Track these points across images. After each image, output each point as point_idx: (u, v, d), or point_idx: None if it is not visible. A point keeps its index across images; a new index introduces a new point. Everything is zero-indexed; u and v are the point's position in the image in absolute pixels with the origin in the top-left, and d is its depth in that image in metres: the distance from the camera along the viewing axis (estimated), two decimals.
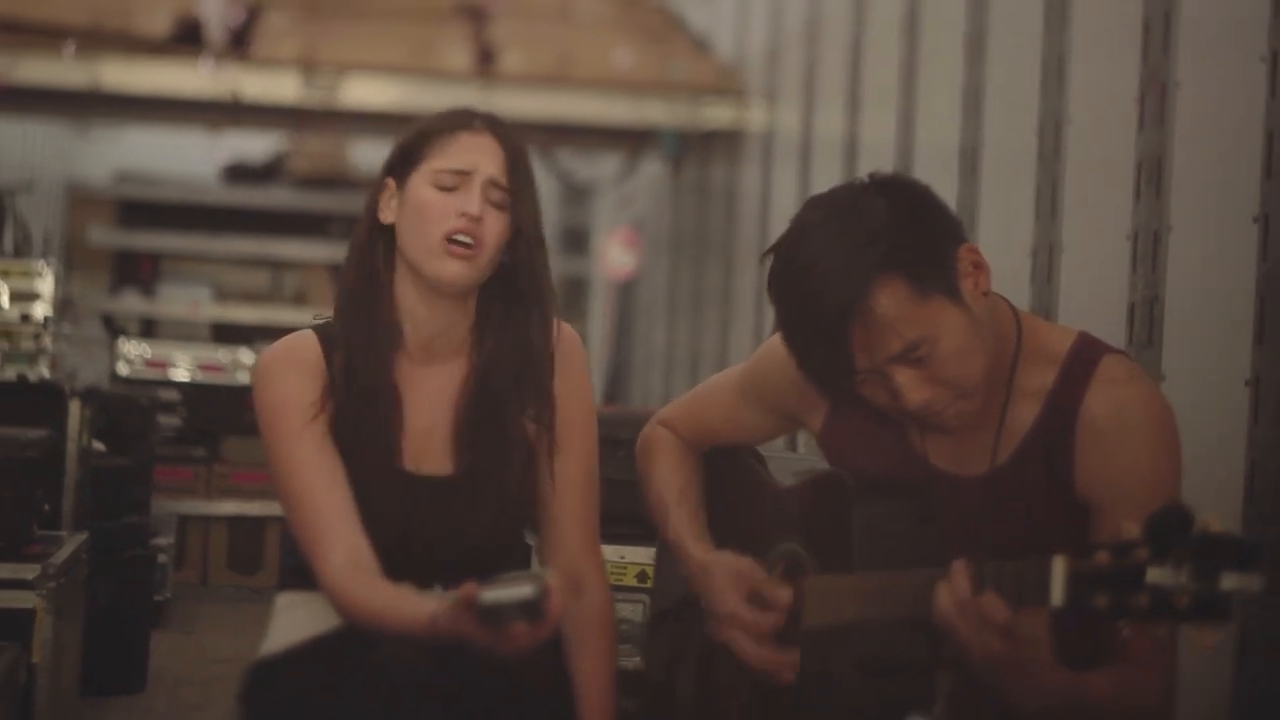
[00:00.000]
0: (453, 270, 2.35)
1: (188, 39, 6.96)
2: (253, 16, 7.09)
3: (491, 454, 2.39)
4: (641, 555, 3.78)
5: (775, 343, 2.45)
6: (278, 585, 2.53)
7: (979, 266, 2.19)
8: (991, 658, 1.94)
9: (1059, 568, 1.78)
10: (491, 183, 2.37)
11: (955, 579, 1.94)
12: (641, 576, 3.82)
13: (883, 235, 2.12)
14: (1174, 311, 3.08)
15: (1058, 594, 1.78)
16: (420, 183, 2.38)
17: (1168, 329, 3.08)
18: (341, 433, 2.37)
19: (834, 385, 2.20)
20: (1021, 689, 1.98)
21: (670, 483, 2.48)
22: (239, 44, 7.00)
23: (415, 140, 2.41)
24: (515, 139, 2.42)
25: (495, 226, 2.36)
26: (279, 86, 7.02)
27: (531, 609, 2.08)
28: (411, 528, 2.36)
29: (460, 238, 2.35)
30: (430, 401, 2.40)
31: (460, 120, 2.41)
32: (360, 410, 2.38)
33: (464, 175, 2.36)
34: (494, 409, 2.39)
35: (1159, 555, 1.67)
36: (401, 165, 2.41)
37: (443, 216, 2.35)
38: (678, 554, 2.41)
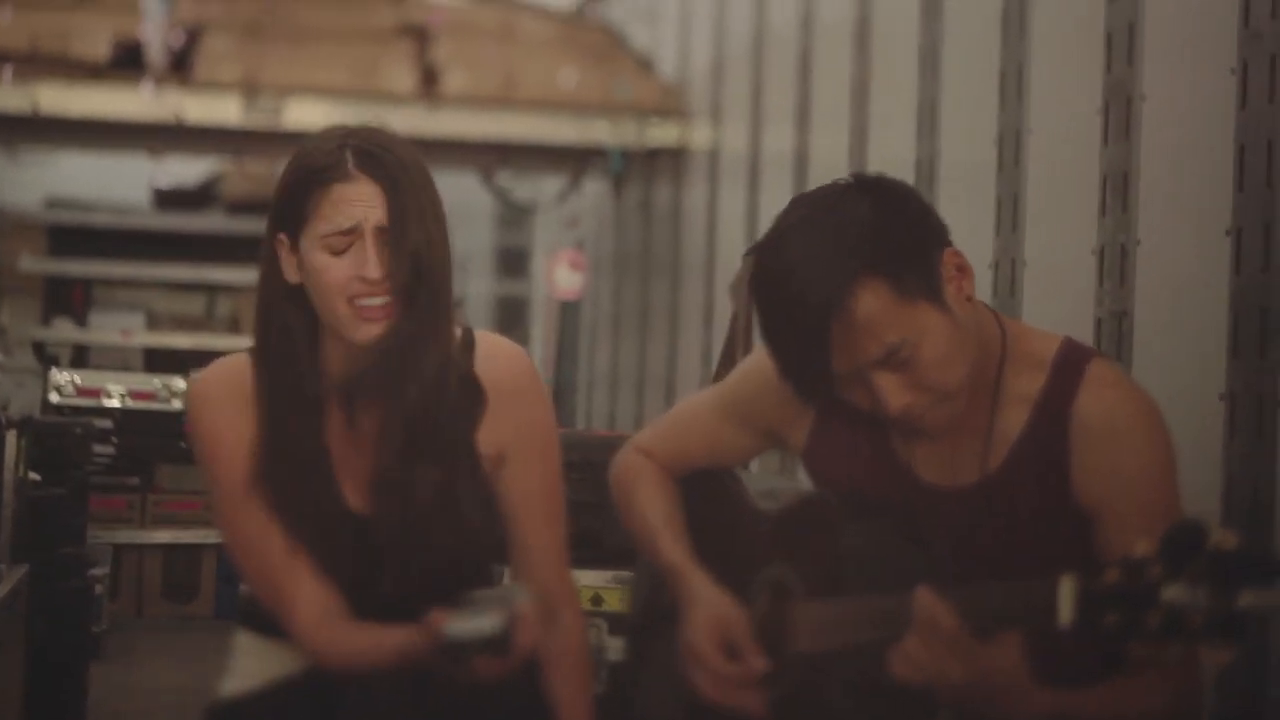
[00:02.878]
0: (369, 334, 2.24)
1: (128, 63, 6.90)
2: (193, 39, 7.04)
3: (430, 488, 2.30)
4: (594, 578, 3.74)
5: (754, 361, 2.40)
6: (239, 620, 2.45)
7: (963, 270, 2.15)
8: (956, 686, 1.90)
9: (1067, 586, 1.73)
10: (381, 228, 2.22)
11: (919, 607, 1.90)
12: (596, 600, 3.78)
13: (865, 237, 2.08)
14: (1144, 326, 3.05)
15: (1066, 613, 1.73)
16: (311, 247, 2.24)
17: (1137, 343, 3.06)
18: (282, 479, 2.30)
19: (813, 388, 2.16)
20: (996, 716, 1.94)
21: (653, 511, 2.43)
22: (180, 67, 6.95)
23: (291, 199, 2.26)
24: (395, 163, 2.24)
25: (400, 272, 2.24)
26: (221, 109, 6.98)
27: (497, 644, 2.02)
28: (363, 567, 2.30)
29: (367, 301, 2.23)
30: (365, 441, 2.32)
31: (333, 171, 2.22)
32: (296, 461, 2.30)
33: (351, 235, 2.22)
34: (424, 441, 2.30)
35: (1173, 572, 1.62)
36: (288, 222, 2.27)
37: (344, 283, 2.22)
38: (672, 580, 2.35)
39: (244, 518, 2.29)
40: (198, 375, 2.37)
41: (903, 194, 2.18)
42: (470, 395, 2.33)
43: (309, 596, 2.27)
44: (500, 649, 2.02)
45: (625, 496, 2.49)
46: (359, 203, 2.21)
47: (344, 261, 2.22)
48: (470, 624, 2.04)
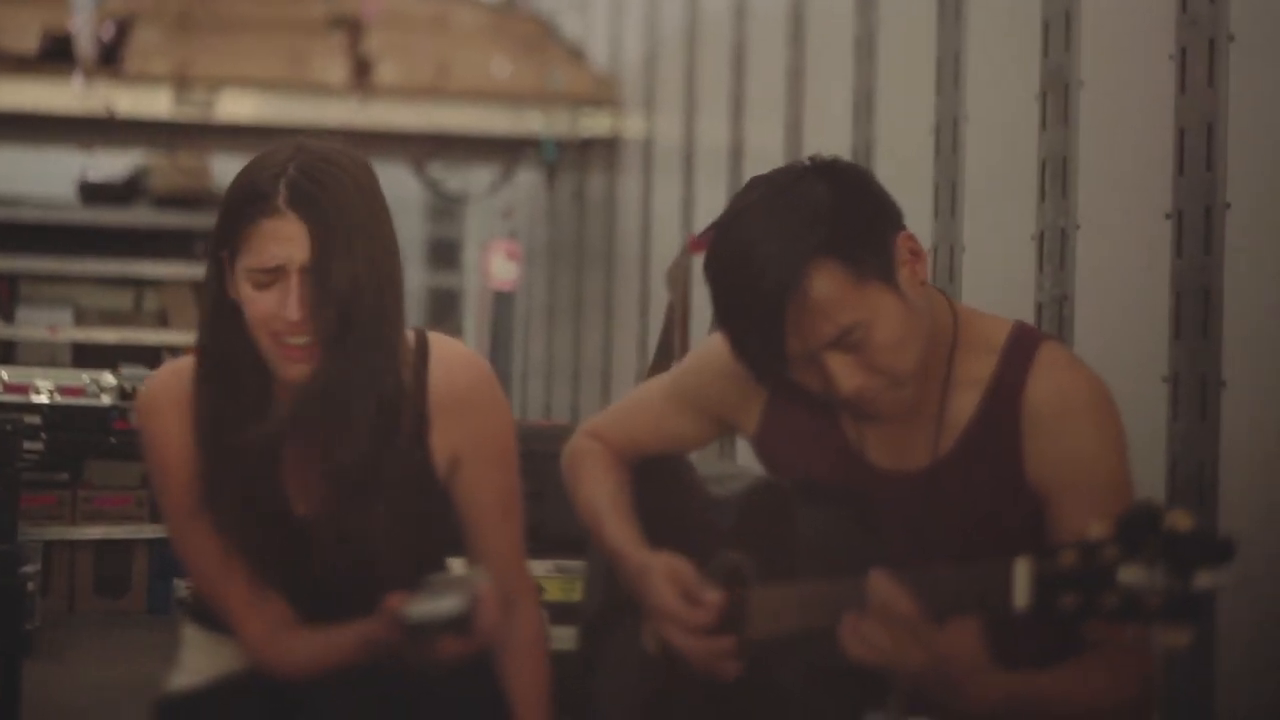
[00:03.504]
0: (293, 372, 2.22)
1: (57, 55, 6.82)
2: (124, 31, 6.97)
3: (377, 489, 2.28)
4: (537, 568, 3.74)
5: (705, 347, 2.40)
6: (188, 614, 2.44)
7: (916, 254, 2.16)
8: (913, 669, 1.91)
9: (1023, 569, 1.74)
10: (307, 270, 2.19)
11: (873, 590, 1.91)
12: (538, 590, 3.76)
13: (821, 218, 2.08)
14: (1084, 310, 3.07)
15: (1022, 596, 1.73)
16: (240, 278, 2.22)
17: (1078, 327, 3.08)
18: (225, 494, 2.27)
19: (767, 369, 2.15)
20: (956, 699, 1.95)
21: (601, 491, 2.41)
22: (110, 60, 6.87)
23: (228, 223, 2.23)
24: (327, 206, 2.18)
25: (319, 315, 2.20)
26: (151, 102, 6.92)
27: (459, 624, 2.01)
28: (313, 573, 2.29)
29: (289, 340, 2.21)
30: (307, 445, 2.28)
31: (264, 204, 2.19)
32: (239, 475, 2.27)
33: (276, 273, 2.19)
34: (365, 466, 2.27)
35: (1129, 554, 1.63)
36: (225, 245, 2.24)
37: (268, 318, 2.20)
38: (614, 560, 2.35)
39: (190, 533, 2.28)
40: (144, 383, 2.35)
41: (859, 177, 2.18)
42: (420, 406, 2.31)
43: (257, 611, 2.27)
44: (462, 629, 2.01)
45: (574, 479, 2.48)
46: (285, 241, 2.18)
47: (268, 297, 2.20)
48: (431, 605, 2.02)
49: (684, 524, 2.34)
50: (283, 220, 2.18)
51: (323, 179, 2.20)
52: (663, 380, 2.50)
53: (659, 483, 2.43)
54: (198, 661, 2.38)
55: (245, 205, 2.21)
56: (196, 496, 2.27)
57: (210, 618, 2.34)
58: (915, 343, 2.13)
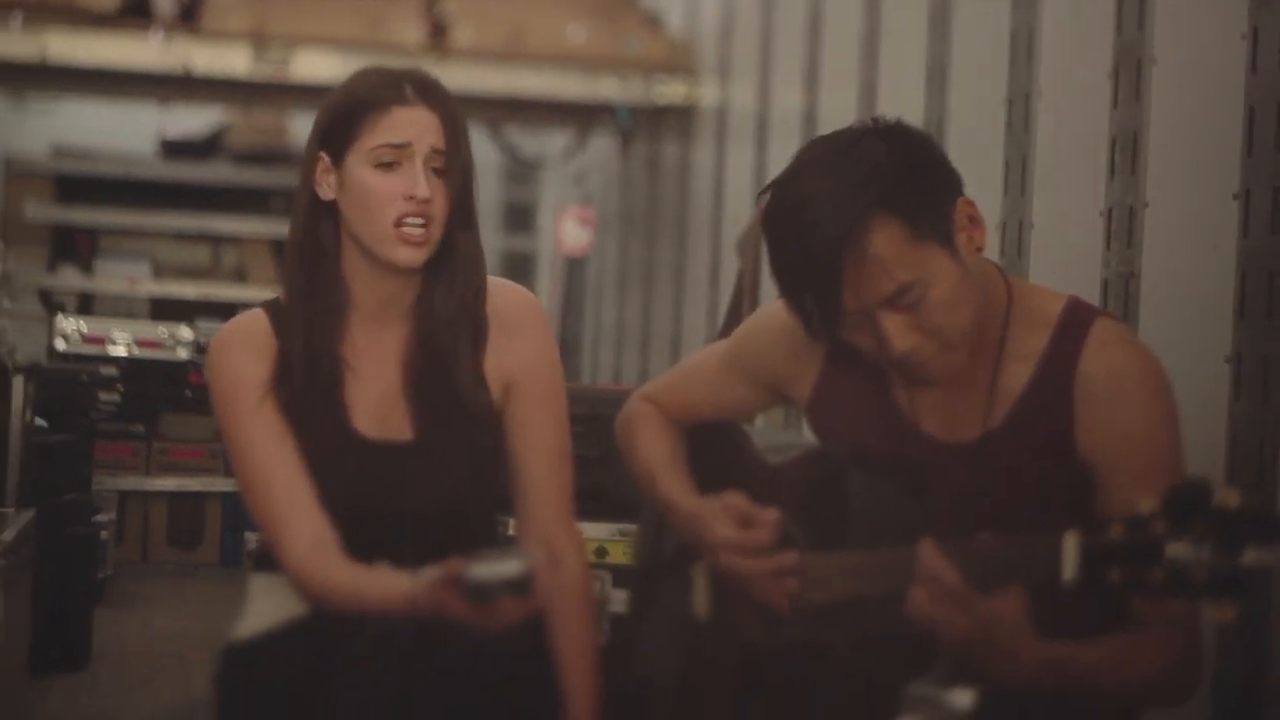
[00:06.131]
0: (407, 256, 2.29)
1: (136, 11, 6.88)
2: None
3: (448, 417, 2.34)
4: (600, 531, 3.76)
5: (761, 314, 2.42)
6: (253, 565, 2.48)
7: (975, 221, 2.17)
8: (960, 637, 1.93)
9: (1071, 542, 1.75)
10: (434, 151, 2.30)
11: (922, 560, 1.92)
12: (600, 552, 3.79)
13: (882, 175, 2.10)
14: (1150, 288, 3.06)
15: (1070, 568, 1.75)
16: (358, 163, 2.30)
17: (1144, 305, 3.07)
18: (296, 406, 2.33)
19: (822, 326, 2.16)
20: (999, 667, 1.96)
21: (656, 451, 2.44)
22: (188, 17, 6.92)
23: (346, 116, 2.32)
24: (449, 101, 2.34)
25: (442, 199, 2.30)
26: (229, 60, 6.96)
27: (519, 585, 2.04)
28: (371, 492, 2.32)
29: (411, 221, 2.28)
30: (384, 367, 2.36)
31: (392, 94, 2.31)
32: (313, 381, 2.33)
33: (404, 149, 2.29)
34: (443, 372, 2.35)
35: (1177, 529, 1.64)
36: (334, 141, 2.33)
37: (389, 200, 2.28)
38: (668, 511, 2.37)
39: (253, 430, 2.31)
40: (216, 333, 2.41)
41: (921, 139, 2.20)
42: (478, 328, 2.37)
43: (303, 528, 2.28)
44: (523, 590, 2.04)
45: (629, 440, 2.50)
46: (415, 124, 2.29)
47: (392, 179, 2.29)
48: (492, 567, 2.06)
49: (735, 490, 2.36)
50: (412, 108, 2.30)
51: (440, 85, 2.35)
52: (718, 348, 2.52)
53: (713, 449, 2.46)
54: (262, 608, 2.39)
55: (367, 99, 2.31)
56: (267, 385, 2.32)
57: (274, 563, 2.35)
58: (969, 306, 2.14)
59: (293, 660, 2.28)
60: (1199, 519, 1.63)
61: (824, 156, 2.16)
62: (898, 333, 2.11)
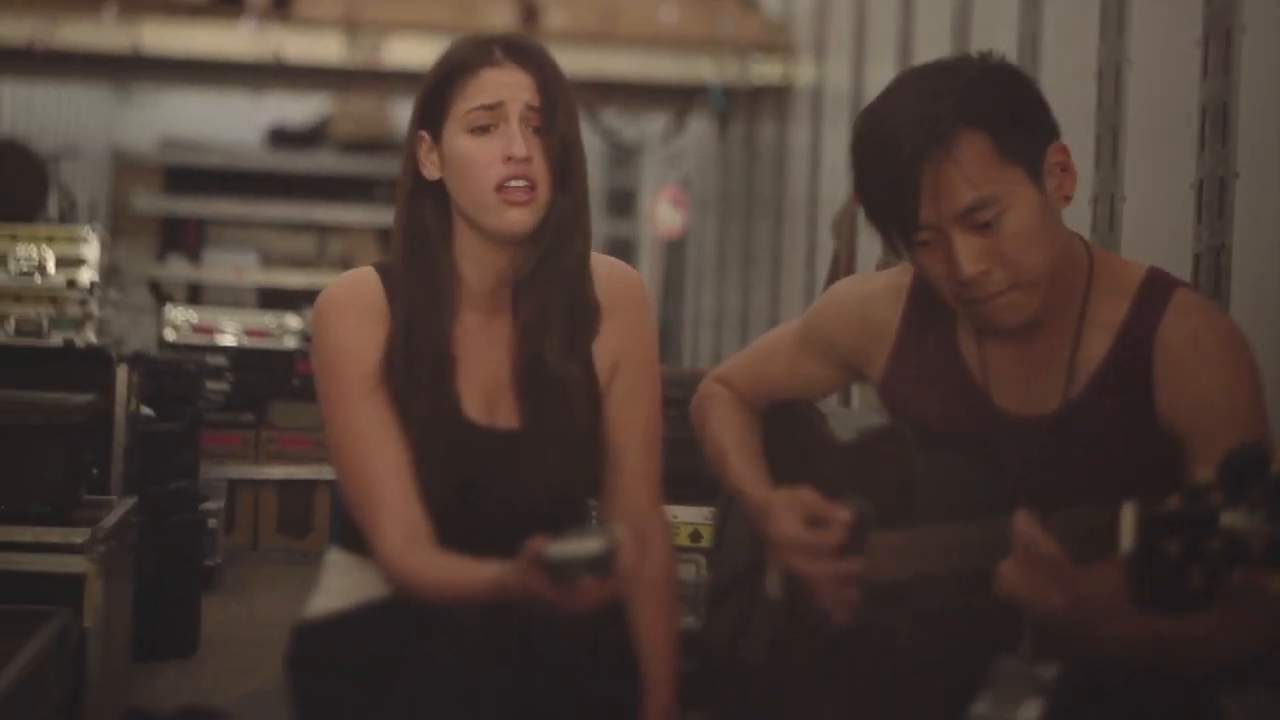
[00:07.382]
0: (514, 219, 2.23)
1: (228, 0, 6.94)
2: None
3: (553, 405, 2.30)
4: (694, 515, 3.76)
5: (835, 291, 2.40)
6: (336, 540, 2.46)
7: (1066, 170, 2.14)
8: (1055, 612, 1.89)
9: (1128, 514, 1.72)
10: (529, 108, 2.23)
11: (1018, 532, 1.89)
12: (695, 536, 3.79)
13: (973, 91, 2.08)
14: (1242, 260, 3.01)
15: (1127, 540, 1.72)
16: (455, 132, 2.25)
17: (1235, 277, 3.01)
18: (406, 393, 2.28)
19: (899, 231, 2.13)
20: (1093, 642, 1.92)
21: (727, 434, 2.42)
22: (280, 4, 6.96)
23: (437, 87, 2.27)
24: (541, 57, 2.26)
25: (542, 159, 2.24)
26: (321, 47, 6.99)
27: (600, 564, 2.02)
28: (477, 480, 2.28)
29: (514, 184, 2.22)
30: (494, 352, 2.31)
31: (481, 56, 2.25)
32: (422, 366, 2.28)
33: (497, 109, 2.23)
34: (550, 358, 2.30)
35: (1234, 498, 1.60)
36: (431, 116, 2.28)
37: (488, 164, 2.22)
38: (739, 499, 2.35)
39: (358, 415, 2.26)
40: (325, 289, 2.35)
41: (1021, 74, 2.17)
42: (587, 309, 2.32)
43: (398, 517, 2.24)
44: (604, 569, 2.00)
45: (701, 423, 2.48)
46: (507, 84, 2.23)
47: (488, 142, 2.23)
48: (573, 546, 2.04)
49: (809, 470, 2.34)
50: (502, 69, 2.24)
51: (533, 45, 2.28)
52: (791, 327, 2.49)
53: (787, 429, 2.44)
54: (339, 584, 2.36)
55: (456, 67, 2.26)
56: (378, 371, 2.26)
57: (355, 541, 2.32)
58: (1047, 247, 2.11)
59: (369, 645, 2.25)
60: (1255, 487, 1.59)
61: (918, 73, 2.15)
62: (970, 255, 2.08)
